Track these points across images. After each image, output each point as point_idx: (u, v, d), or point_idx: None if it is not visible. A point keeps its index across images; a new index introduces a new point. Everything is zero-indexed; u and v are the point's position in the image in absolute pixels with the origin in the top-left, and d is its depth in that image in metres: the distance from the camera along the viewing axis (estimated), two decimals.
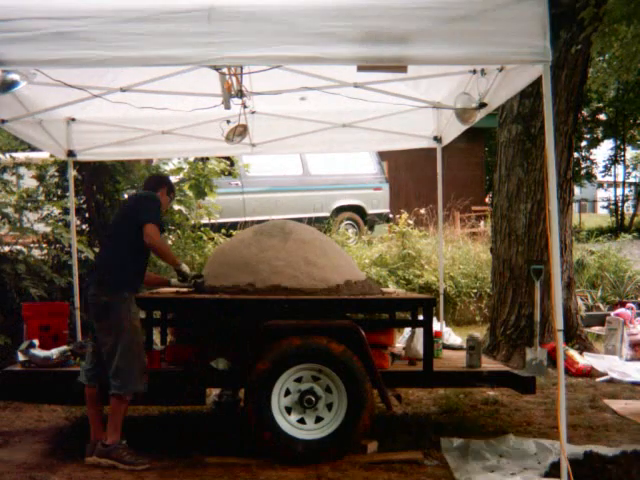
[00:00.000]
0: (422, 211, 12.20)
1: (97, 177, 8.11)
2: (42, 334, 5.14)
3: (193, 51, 3.59)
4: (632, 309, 9.44)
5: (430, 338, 4.67)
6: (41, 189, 8.13)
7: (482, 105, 4.92)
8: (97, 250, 7.71)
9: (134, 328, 4.28)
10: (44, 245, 7.99)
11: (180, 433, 4.93)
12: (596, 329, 8.59)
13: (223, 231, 10.19)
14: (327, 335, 4.38)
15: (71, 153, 6.30)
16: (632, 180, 26.80)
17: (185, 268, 4.76)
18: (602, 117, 23.20)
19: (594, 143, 23.98)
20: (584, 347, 7.68)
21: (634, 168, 27.67)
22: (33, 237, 7.95)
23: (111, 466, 4.18)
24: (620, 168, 25.06)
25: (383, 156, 13.23)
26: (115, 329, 4.23)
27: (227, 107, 4.94)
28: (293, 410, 4.36)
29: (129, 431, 5.04)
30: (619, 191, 24.05)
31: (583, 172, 24.04)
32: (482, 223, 13.92)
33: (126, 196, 8.67)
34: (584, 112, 20.63)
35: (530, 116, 7.40)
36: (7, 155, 8.01)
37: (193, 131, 6.13)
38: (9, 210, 7.67)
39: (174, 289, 5.05)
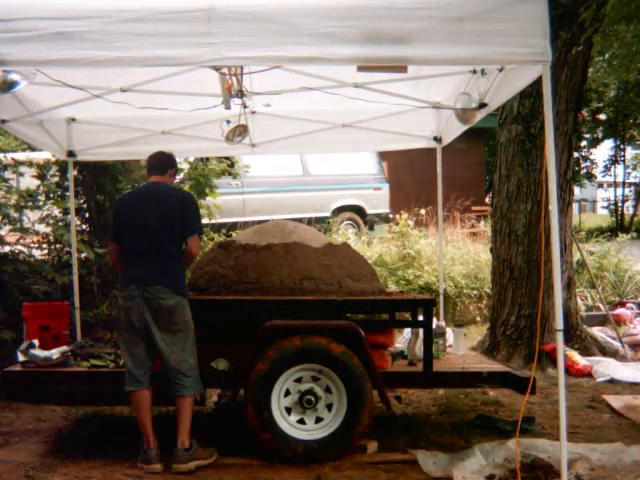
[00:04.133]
0: (422, 211, 12.19)
1: (97, 177, 8.11)
2: (42, 334, 5.14)
3: (193, 51, 3.59)
4: (632, 309, 9.45)
5: (430, 339, 4.67)
6: (42, 189, 8.13)
7: (482, 105, 4.92)
8: (97, 250, 7.73)
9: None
10: (44, 245, 8.00)
11: None
12: (596, 329, 8.58)
13: (223, 231, 10.18)
14: (327, 335, 4.38)
15: (71, 153, 6.30)
16: (632, 180, 26.80)
17: None
18: (602, 117, 23.18)
19: (594, 143, 23.96)
20: (584, 347, 7.68)
21: (634, 168, 27.66)
22: (34, 237, 7.96)
23: (198, 466, 4.21)
24: (620, 168, 25.06)
25: (383, 156, 13.22)
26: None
27: (227, 107, 4.94)
28: (293, 410, 4.37)
29: (129, 431, 5.05)
30: (619, 191, 24.04)
31: (583, 172, 24.02)
32: (482, 223, 13.91)
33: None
34: (584, 112, 20.61)
35: (530, 116, 7.40)
36: (8, 156, 8.02)
37: (193, 131, 6.14)
38: (9, 210, 7.69)
39: None
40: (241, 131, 5.66)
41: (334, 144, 6.60)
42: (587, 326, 8.23)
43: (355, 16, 3.58)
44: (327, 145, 6.67)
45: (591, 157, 24.66)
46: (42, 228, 8.08)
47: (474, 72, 4.93)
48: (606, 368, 7.03)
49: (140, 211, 4.39)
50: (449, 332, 5.87)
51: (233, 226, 10.50)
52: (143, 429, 4.29)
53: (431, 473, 4.13)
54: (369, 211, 12.80)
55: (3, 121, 5.31)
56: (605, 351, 7.75)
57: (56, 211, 8.15)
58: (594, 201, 34.25)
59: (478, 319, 10.15)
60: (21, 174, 8.12)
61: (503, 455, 4.24)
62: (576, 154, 20.78)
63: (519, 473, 3.93)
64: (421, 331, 4.80)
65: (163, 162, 4.62)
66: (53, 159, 8.03)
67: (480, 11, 3.59)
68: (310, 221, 10.72)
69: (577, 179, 22.69)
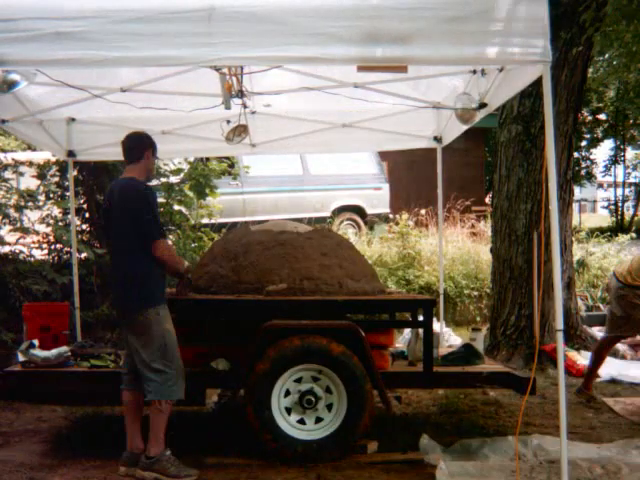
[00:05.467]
0: (422, 211, 12.19)
1: (97, 177, 8.12)
2: (42, 334, 5.14)
3: (193, 51, 3.59)
4: None
5: (430, 339, 4.67)
6: (42, 189, 8.14)
7: (482, 105, 4.93)
8: (97, 250, 7.74)
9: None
10: (44, 245, 8.00)
11: (180, 433, 4.92)
12: (596, 329, 8.58)
13: (223, 231, 10.19)
14: (327, 336, 4.38)
15: (71, 153, 6.30)
16: (632, 180, 26.80)
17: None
18: (602, 117, 23.18)
19: (594, 143, 23.96)
20: (584, 347, 7.68)
21: (634, 168, 27.66)
22: (34, 237, 7.96)
23: (155, 479, 4.03)
24: (620, 168, 25.07)
25: (383, 156, 13.22)
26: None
27: (227, 107, 4.95)
28: (293, 411, 4.36)
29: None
30: (619, 191, 24.06)
31: (583, 172, 24.02)
32: (482, 223, 13.91)
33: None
34: (584, 112, 20.61)
35: (530, 116, 7.40)
36: (8, 156, 8.03)
37: (193, 131, 6.14)
38: (9, 210, 7.70)
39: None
40: (241, 131, 5.66)
41: (334, 144, 6.60)
42: (587, 326, 8.23)
43: (355, 16, 3.57)
44: (327, 145, 6.67)
45: (591, 157, 24.67)
46: (42, 228, 8.08)
47: (474, 72, 4.93)
48: (606, 368, 7.02)
49: None
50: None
51: (233, 226, 10.50)
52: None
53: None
54: (369, 211, 12.81)
55: (3, 121, 5.31)
56: None
57: (56, 211, 8.15)
58: (594, 201, 34.26)
59: (478, 319, 10.14)
60: (21, 174, 8.13)
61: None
62: (576, 154, 20.78)
63: (518, 471, 3.94)
64: (421, 331, 4.80)
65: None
66: (53, 159, 8.04)
67: (480, 11, 3.58)
68: (310, 221, 10.73)
69: (577, 179, 22.69)
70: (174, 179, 9.16)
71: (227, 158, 10.17)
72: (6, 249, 7.57)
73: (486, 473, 4.01)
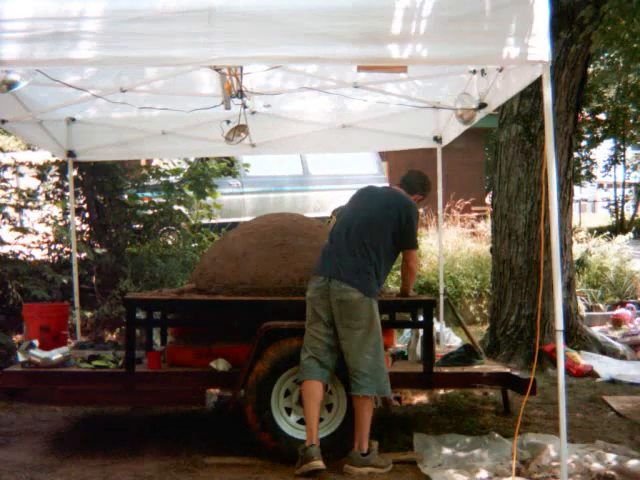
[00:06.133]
0: (421, 211, 12.19)
1: (97, 177, 8.12)
2: (42, 334, 5.14)
3: (193, 51, 3.59)
4: (632, 309, 9.43)
5: (430, 339, 4.67)
6: (41, 189, 8.15)
7: (482, 105, 4.93)
8: (97, 250, 7.74)
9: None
10: (44, 245, 8.01)
11: (180, 433, 4.92)
12: (596, 329, 8.59)
13: (223, 231, 10.19)
14: None
15: (71, 153, 6.30)
16: (632, 180, 26.79)
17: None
18: (602, 117, 23.15)
19: (594, 143, 23.93)
20: (584, 347, 7.68)
21: (634, 168, 27.65)
22: (34, 237, 7.96)
23: (370, 473, 4.06)
24: (620, 168, 25.05)
25: (383, 156, 13.22)
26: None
27: (227, 107, 4.95)
28: (293, 411, 4.36)
29: (129, 431, 5.05)
30: (619, 191, 24.04)
31: (583, 172, 23.99)
32: (482, 223, 13.92)
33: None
34: (584, 112, 20.59)
35: (530, 116, 7.40)
36: (8, 156, 8.04)
37: (193, 131, 6.14)
38: (10, 210, 7.71)
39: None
40: (241, 131, 5.66)
41: (334, 144, 6.60)
42: (587, 326, 8.23)
43: (355, 16, 3.57)
44: (327, 145, 6.67)
45: (591, 157, 24.64)
46: (42, 228, 8.09)
47: (474, 72, 4.93)
48: (606, 368, 7.03)
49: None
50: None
51: (233, 226, 10.50)
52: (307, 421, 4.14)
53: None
54: None
55: (3, 121, 5.31)
56: (605, 351, 7.74)
57: (56, 211, 8.16)
58: (594, 201, 34.26)
59: (478, 319, 10.15)
60: (21, 174, 8.13)
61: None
62: (576, 154, 20.76)
63: (514, 471, 3.94)
64: (421, 331, 4.80)
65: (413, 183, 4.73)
66: (53, 159, 8.04)
67: (480, 11, 3.59)
68: None
69: (577, 179, 22.67)
70: (174, 179, 9.16)
71: (227, 158, 10.16)
72: (6, 249, 7.57)
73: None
